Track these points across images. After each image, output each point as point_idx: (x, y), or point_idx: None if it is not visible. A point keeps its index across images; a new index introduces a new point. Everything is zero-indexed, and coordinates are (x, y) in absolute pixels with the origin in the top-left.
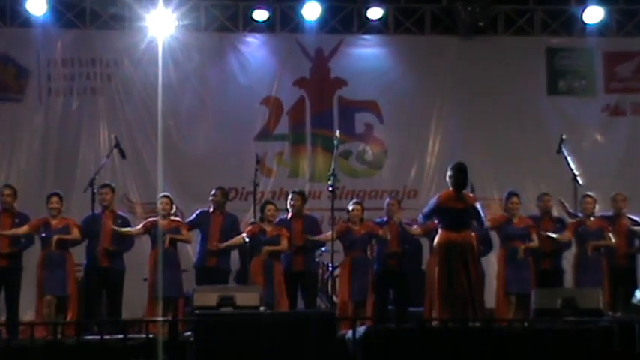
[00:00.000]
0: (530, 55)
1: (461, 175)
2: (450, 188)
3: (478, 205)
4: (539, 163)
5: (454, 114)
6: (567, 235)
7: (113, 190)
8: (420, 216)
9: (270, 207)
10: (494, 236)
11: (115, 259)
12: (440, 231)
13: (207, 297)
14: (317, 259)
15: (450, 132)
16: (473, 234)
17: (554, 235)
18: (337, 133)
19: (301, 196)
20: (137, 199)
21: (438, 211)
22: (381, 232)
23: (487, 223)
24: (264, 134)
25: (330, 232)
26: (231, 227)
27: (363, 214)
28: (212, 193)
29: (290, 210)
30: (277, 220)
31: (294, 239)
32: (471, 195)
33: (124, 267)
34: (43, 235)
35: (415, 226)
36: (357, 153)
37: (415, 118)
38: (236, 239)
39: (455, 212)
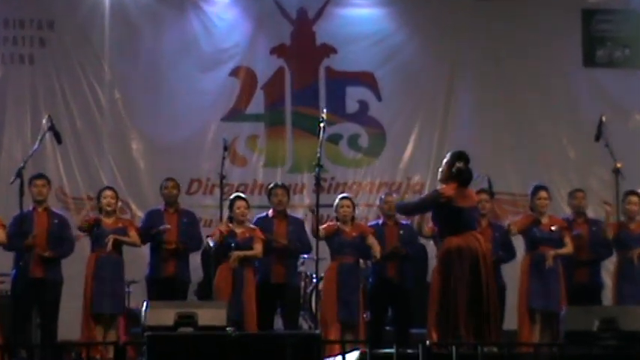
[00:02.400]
0: (562, 19)
1: (467, 166)
2: (451, 182)
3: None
4: (572, 151)
5: (468, 90)
6: (609, 232)
7: (49, 182)
8: (400, 203)
9: (240, 203)
10: (518, 241)
11: (50, 268)
12: (446, 237)
13: (161, 315)
14: (299, 269)
15: (463, 112)
16: (482, 237)
17: (562, 252)
18: (324, 113)
19: (287, 191)
20: (76, 193)
21: (441, 209)
22: (369, 240)
23: (513, 229)
24: (234, 113)
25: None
26: (190, 227)
27: (354, 211)
28: (162, 185)
29: (275, 207)
30: (255, 218)
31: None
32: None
33: (62, 278)
34: None
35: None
36: (349, 137)
37: (420, 94)
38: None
39: (463, 211)
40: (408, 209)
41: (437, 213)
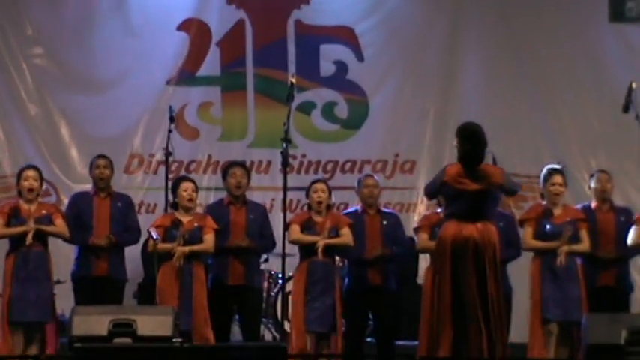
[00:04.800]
0: None
1: (473, 145)
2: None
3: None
4: (596, 123)
5: (473, 48)
6: (636, 236)
7: None
8: (425, 192)
9: (186, 185)
10: None
11: None
12: (445, 222)
13: (92, 322)
14: (261, 267)
15: (466, 75)
16: (494, 228)
17: (576, 248)
18: (293, 76)
19: (247, 171)
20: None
21: (443, 189)
22: (343, 231)
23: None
24: (183, 76)
25: (295, 226)
26: (125, 215)
27: (330, 197)
28: (93, 163)
29: (231, 190)
30: (206, 206)
31: (233, 236)
32: (494, 167)
33: None
34: None
35: (422, 234)
36: (324, 105)
37: (412, 53)
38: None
39: (468, 196)
40: (426, 192)
41: (442, 193)
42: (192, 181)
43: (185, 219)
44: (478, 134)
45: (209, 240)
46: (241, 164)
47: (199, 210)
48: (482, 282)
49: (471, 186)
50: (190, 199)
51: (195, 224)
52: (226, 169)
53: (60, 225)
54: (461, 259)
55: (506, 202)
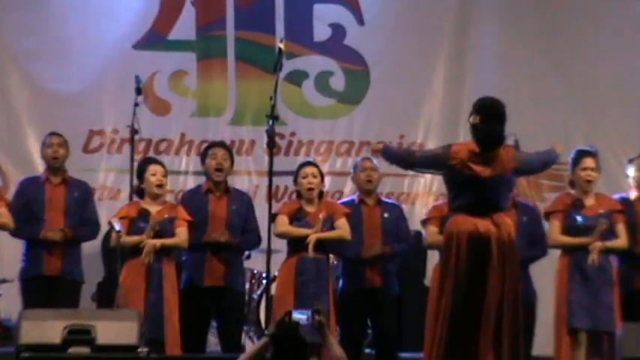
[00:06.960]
0: None
1: (494, 123)
2: (472, 142)
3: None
4: (628, 104)
5: (490, 10)
6: None
7: None
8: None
9: (154, 168)
10: None
11: None
12: (453, 215)
13: (44, 329)
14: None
15: (481, 41)
16: (509, 220)
17: (612, 244)
18: (282, 41)
19: (229, 153)
20: None
21: (448, 173)
22: (339, 222)
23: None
24: (152, 39)
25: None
26: (82, 204)
27: (322, 183)
28: (45, 142)
29: (211, 175)
30: (183, 193)
31: (212, 229)
32: (504, 147)
33: None
34: None
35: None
36: (317, 75)
37: (420, 16)
38: None
39: (481, 182)
40: (402, 158)
41: (447, 178)
42: (161, 164)
43: (153, 209)
44: (504, 112)
45: (182, 233)
46: (224, 145)
47: (169, 198)
48: (501, 287)
49: (484, 172)
50: (159, 185)
51: (166, 215)
52: (206, 149)
53: (3, 214)
54: (480, 261)
55: (529, 193)
